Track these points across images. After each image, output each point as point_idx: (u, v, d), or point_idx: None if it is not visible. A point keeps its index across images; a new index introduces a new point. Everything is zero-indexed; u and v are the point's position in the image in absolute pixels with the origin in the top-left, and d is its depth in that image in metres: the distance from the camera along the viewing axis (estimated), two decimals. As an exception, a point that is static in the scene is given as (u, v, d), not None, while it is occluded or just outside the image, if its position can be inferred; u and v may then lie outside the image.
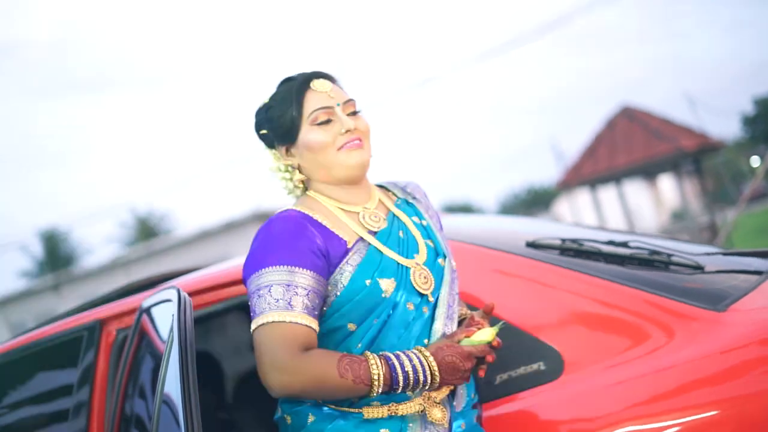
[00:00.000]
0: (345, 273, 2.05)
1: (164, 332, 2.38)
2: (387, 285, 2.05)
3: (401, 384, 1.94)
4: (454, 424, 2.12)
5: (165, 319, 2.40)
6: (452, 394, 2.13)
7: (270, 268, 1.98)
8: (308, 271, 1.98)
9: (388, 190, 2.35)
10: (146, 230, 38.44)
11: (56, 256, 39.13)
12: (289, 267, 1.97)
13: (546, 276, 2.52)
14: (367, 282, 2.04)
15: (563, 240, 2.69)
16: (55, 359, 3.01)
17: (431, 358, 1.97)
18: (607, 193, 24.16)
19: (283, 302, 1.94)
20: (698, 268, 2.60)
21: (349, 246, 2.08)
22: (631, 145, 18.07)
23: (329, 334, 2.06)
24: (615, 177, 18.75)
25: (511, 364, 2.39)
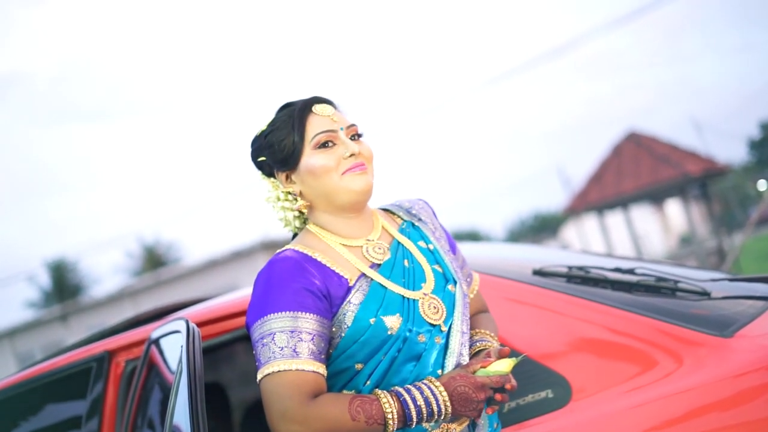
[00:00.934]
0: (348, 313, 1.99)
1: (173, 363, 2.39)
2: (392, 322, 1.99)
3: (415, 418, 1.90)
4: None
5: (174, 350, 2.41)
6: (473, 425, 2.06)
7: (272, 315, 1.93)
8: (311, 314, 1.94)
9: (393, 213, 2.27)
10: (154, 260, 38.46)
11: (64, 287, 39.16)
12: (292, 312, 1.93)
13: (553, 303, 2.52)
14: (372, 321, 1.98)
15: (570, 267, 2.70)
16: (64, 391, 3.01)
17: (442, 389, 1.92)
18: (615, 219, 24.15)
19: (288, 350, 1.90)
20: (705, 294, 2.60)
21: (351, 284, 2.02)
22: (637, 171, 18.08)
23: (336, 375, 2.01)
24: (622, 202, 18.75)
25: (519, 391, 2.40)
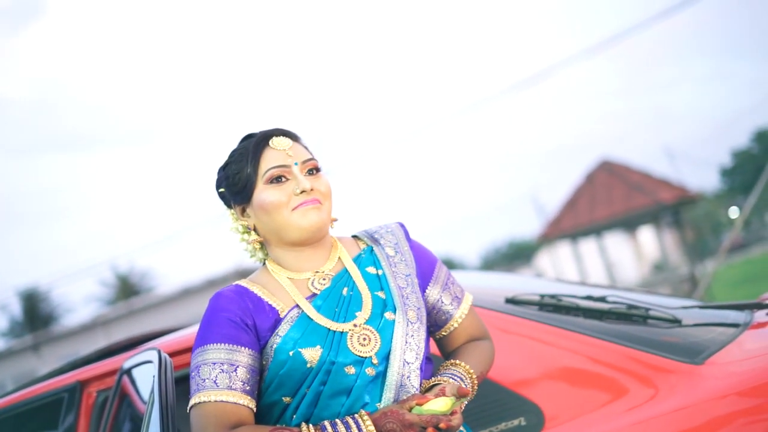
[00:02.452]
0: (273, 345, 1.98)
1: (145, 393, 2.38)
2: (311, 354, 1.96)
3: None
4: None
5: (146, 380, 2.39)
6: None
7: (198, 349, 1.97)
8: (228, 345, 1.95)
9: (359, 240, 2.23)
10: (127, 288, 38.17)
11: (35, 316, 38.77)
12: (207, 345, 1.96)
13: (525, 331, 2.53)
14: (291, 353, 1.96)
15: (542, 296, 2.71)
16: (36, 422, 3.00)
17: (370, 424, 1.86)
18: (588, 246, 24.27)
19: (210, 381, 1.92)
20: (676, 322, 2.63)
21: (281, 315, 2.01)
22: (611, 198, 18.24)
23: (268, 409, 2.00)
24: (595, 230, 18.91)
25: (492, 419, 2.40)
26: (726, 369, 2.34)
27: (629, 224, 21.68)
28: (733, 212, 24.52)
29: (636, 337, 2.49)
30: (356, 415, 1.89)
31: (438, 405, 1.87)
